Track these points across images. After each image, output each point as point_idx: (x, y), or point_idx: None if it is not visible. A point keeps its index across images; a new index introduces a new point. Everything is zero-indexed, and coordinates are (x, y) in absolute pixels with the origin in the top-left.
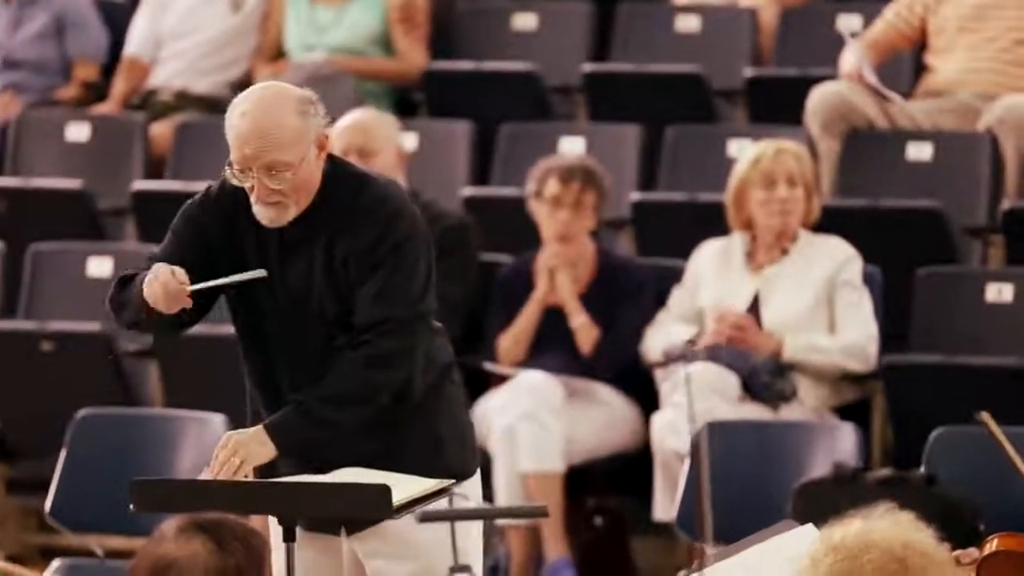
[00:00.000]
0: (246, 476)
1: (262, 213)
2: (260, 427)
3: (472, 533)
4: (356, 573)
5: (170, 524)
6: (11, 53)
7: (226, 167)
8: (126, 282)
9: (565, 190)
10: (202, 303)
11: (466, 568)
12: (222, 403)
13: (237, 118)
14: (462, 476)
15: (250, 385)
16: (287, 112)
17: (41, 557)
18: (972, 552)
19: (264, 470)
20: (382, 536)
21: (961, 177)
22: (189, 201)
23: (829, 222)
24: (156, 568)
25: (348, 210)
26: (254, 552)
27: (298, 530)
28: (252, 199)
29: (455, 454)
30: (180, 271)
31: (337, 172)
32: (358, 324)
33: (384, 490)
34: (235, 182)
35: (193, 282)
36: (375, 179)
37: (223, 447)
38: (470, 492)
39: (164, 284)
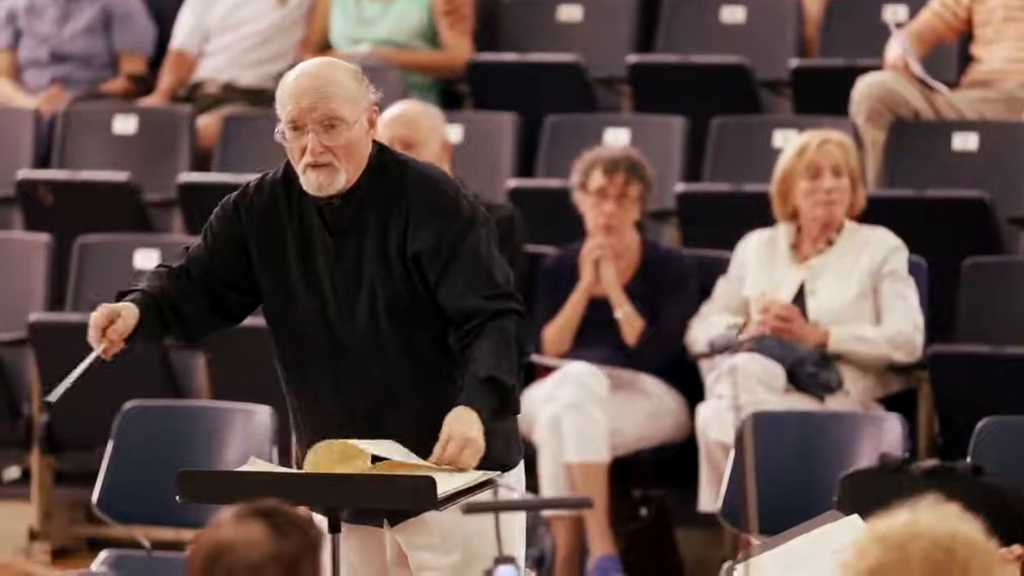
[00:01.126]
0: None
1: (311, 180)
2: (467, 409)
3: (515, 524)
4: (399, 564)
5: (227, 511)
6: (59, 47)
7: (277, 133)
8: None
9: (609, 181)
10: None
11: (510, 559)
12: (268, 395)
13: (293, 79)
14: (506, 467)
15: (286, 380)
16: (343, 73)
17: (89, 548)
18: (1016, 549)
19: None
20: (426, 528)
21: (1007, 167)
22: (226, 197)
23: (875, 212)
24: (213, 552)
25: (399, 198)
26: (310, 540)
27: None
28: (301, 169)
29: (499, 445)
30: (116, 326)
31: (383, 156)
32: (458, 316)
33: (429, 482)
34: (288, 148)
35: (217, 278)
36: (422, 165)
37: (450, 437)
38: (513, 483)
39: (91, 324)
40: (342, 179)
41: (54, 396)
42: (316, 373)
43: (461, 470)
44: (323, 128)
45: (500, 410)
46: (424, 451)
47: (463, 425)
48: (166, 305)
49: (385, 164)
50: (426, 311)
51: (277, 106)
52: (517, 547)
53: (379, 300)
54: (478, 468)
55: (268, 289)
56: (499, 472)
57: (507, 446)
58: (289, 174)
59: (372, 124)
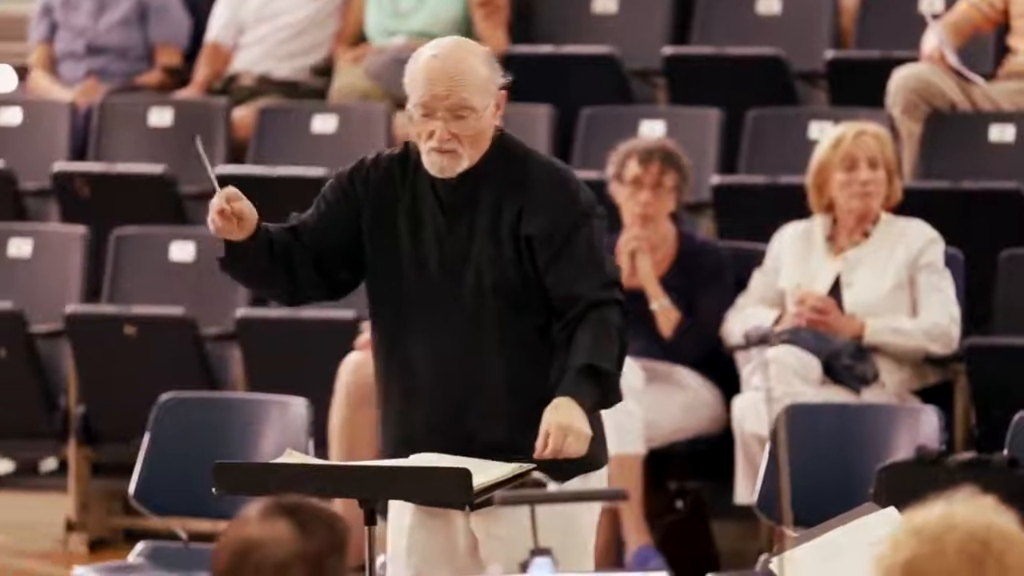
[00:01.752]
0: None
1: (434, 162)
2: (566, 399)
3: (591, 520)
4: (472, 553)
5: (253, 507)
6: (95, 39)
7: (407, 112)
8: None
9: (645, 171)
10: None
11: (546, 551)
12: (304, 387)
13: (427, 60)
14: (593, 466)
15: (380, 352)
16: (477, 59)
17: (125, 539)
18: None
19: (401, 451)
20: (504, 519)
21: None
22: (341, 169)
23: (911, 204)
24: (239, 550)
25: (517, 181)
26: (337, 536)
27: (415, 507)
28: (424, 149)
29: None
30: (230, 191)
31: (503, 140)
32: (563, 302)
33: (464, 474)
34: (414, 129)
35: (332, 248)
36: (540, 154)
37: (549, 429)
38: (599, 483)
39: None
40: (464, 164)
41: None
42: (412, 348)
43: (569, 460)
44: (453, 116)
45: (600, 398)
46: (505, 438)
47: (561, 415)
48: (279, 252)
49: (506, 147)
50: (531, 296)
51: (406, 84)
52: (591, 540)
53: (485, 279)
54: (565, 468)
55: (374, 261)
56: (531, 465)
57: (596, 445)
58: (408, 152)
59: (499, 108)
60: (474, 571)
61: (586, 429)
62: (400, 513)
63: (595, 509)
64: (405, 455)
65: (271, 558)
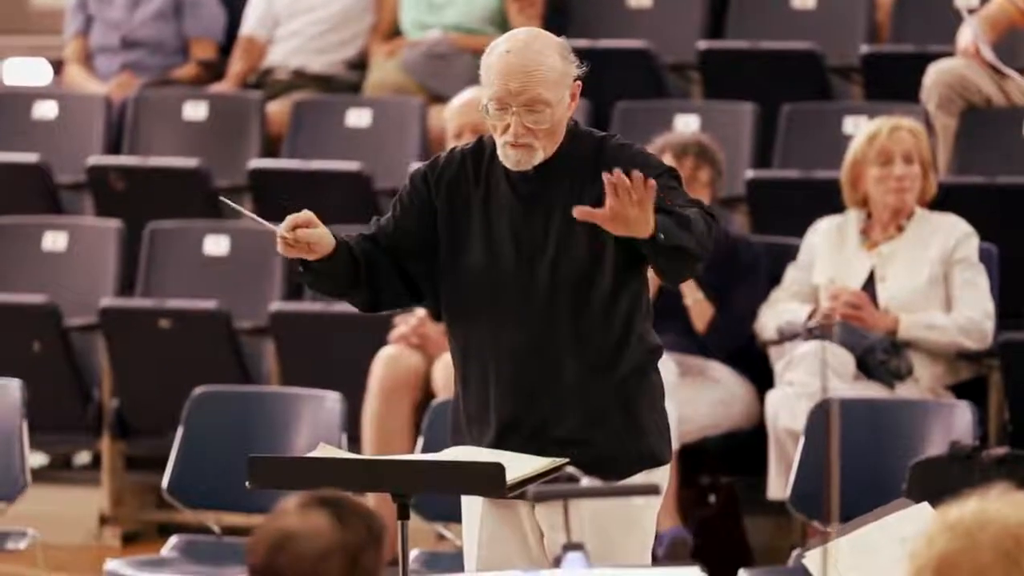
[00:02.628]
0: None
1: (510, 155)
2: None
3: (652, 516)
4: (538, 543)
5: (291, 500)
6: (129, 33)
7: (483, 107)
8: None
9: (679, 166)
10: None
11: (579, 546)
12: (338, 380)
13: (501, 55)
14: (657, 462)
15: (456, 349)
16: (551, 52)
17: (159, 533)
18: None
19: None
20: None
21: None
22: (416, 168)
23: (945, 199)
24: (276, 541)
25: (595, 164)
26: (374, 531)
27: (485, 499)
28: (500, 143)
29: (653, 439)
30: (306, 233)
31: (576, 129)
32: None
33: (498, 468)
34: (489, 122)
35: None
36: (612, 135)
37: (616, 189)
38: (661, 480)
39: (290, 217)
40: (539, 156)
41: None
42: (487, 339)
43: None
44: (527, 110)
45: (676, 234)
46: (577, 434)
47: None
48: (363, 263)
49: (579, 135)
50: (606, 286)
51: (482, 76)
52: (651, 535)
53: (561, 269)
54: (627, 466)
55: (449, 255)
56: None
57: (661, 440)
58: (481, 145)
59: (573, 98)
60: (543, 563)
61: (641, 231)
62: (472, 505)
63: (655, 506)
64: (477, 444)
65: (308, 550)
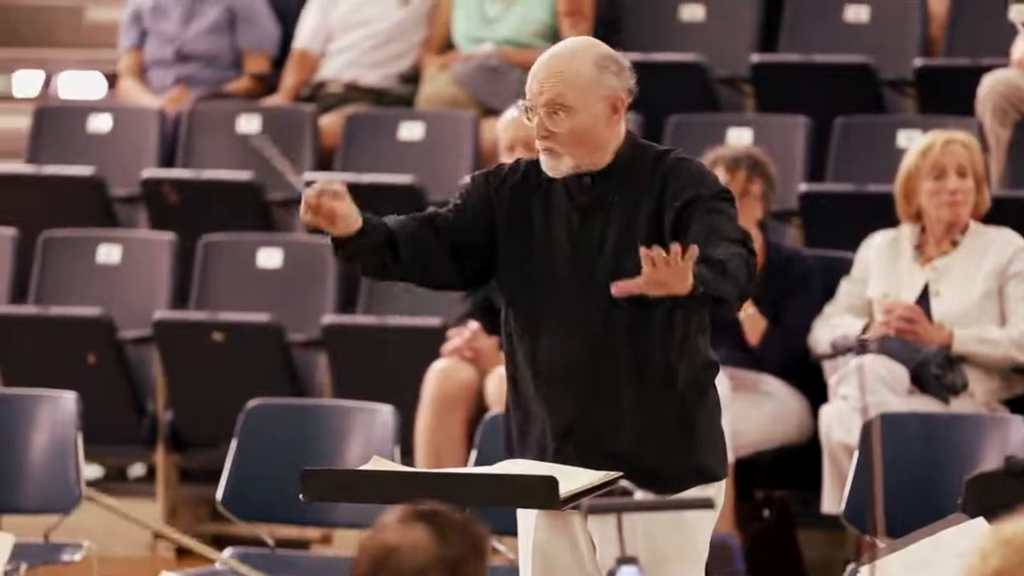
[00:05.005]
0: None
1: (543, 160)
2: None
3: (707, 531)
4: (591, 555)
5: (390, 514)
6: (184, 46)
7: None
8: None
9: (732, 179)
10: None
11: (632, 560)
12: (390, 393)
13: (539, 59)
14: (712, 477)
15: (512, 353)
16: (583, 60)
17: (213, 545)
18: None
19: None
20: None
21: None
22: (479, 171)
23: (1000, 213)
24: (378, 557)
25: (653, 176)
26: (474, 543)
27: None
28: (536, 146)
29: (709, 454)
30: (332, 204)
31: (637, 142)
32: (712, 238)
33: (551, 481)
34: (524, 120)
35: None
36: (673, 148)
37: (652, 261)
38: (716, 495)
39: (319, 184)
40: (567, 163)
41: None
42: (543, 349)
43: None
44: (547, 113)
45: (710, 279)
46: (628, 449)
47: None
48: (402, 241)
49: (638, 147)
50: (664, 299)
51: None
52: (703, 554)
53: (618, 279)
54: (681, 481)
55: (507, 262)
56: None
57: (716, 455)
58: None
59: (616, 110)
60: (596, 574)
61: (689, 276)
62: (526, 518)
63: (710, 521)
64: (536, 457)
65: (409, 563)
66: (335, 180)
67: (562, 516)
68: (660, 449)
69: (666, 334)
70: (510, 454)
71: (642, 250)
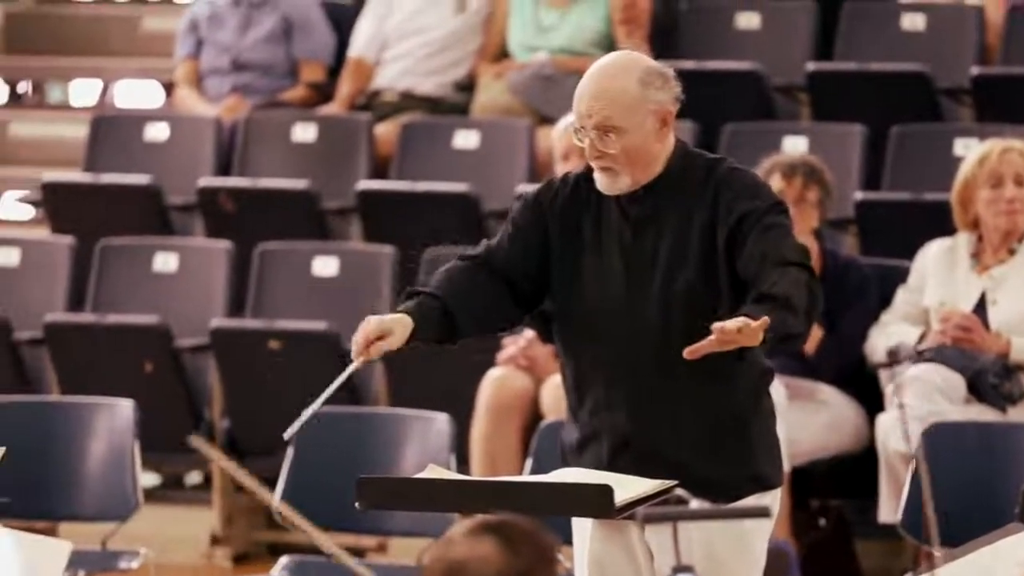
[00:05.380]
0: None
1: (598, 178)
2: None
3: (764, 539)
4: (648, 564)
5: (458, 527)
6: (240, 55)
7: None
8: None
9: (788, 185)
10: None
11: (688, 569)
12: (446, 402)
13: (584, 78)
14: (768, 485)
15: (567, 368)
16: (628, 78)
17: (269, 554)
18: None
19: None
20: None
21: None
22: (528, 191)
23: None
24: (446, 572)
25: (706, 187)
26: (543, 552)
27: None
28: (589, 162)
29: (764, 462)
30: (382, 344)
31: (687, 152)
32: (759, 266)
33: (607, 490)
34: (575, 141)
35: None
36: (725, 157)
37: (726, 327)
38: (772, 503)
39: (361, 334)
40: (625, 181)
41: (294, 428)
42: (597, 362)
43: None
44: (598, 134)
45: (778, 324)
46: (687, 460)
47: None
48: (456, 305)
49: (689, 157)
50: (719, 305)
51: None
52: (760, 563)
53: (672, 290)
54: (737, 489)
55: (560, 276)
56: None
57: (772, 463)
58: (591, 168)
59: (665, 123)
60: None
61: (751, 343)
62: (582, 527)
63: (766, 529)
64: (592, 467)
65: None
66: (371, 323)
67: (618, 525)
68: (716, 457)
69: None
70: (565, 463)
71: (714, 327)
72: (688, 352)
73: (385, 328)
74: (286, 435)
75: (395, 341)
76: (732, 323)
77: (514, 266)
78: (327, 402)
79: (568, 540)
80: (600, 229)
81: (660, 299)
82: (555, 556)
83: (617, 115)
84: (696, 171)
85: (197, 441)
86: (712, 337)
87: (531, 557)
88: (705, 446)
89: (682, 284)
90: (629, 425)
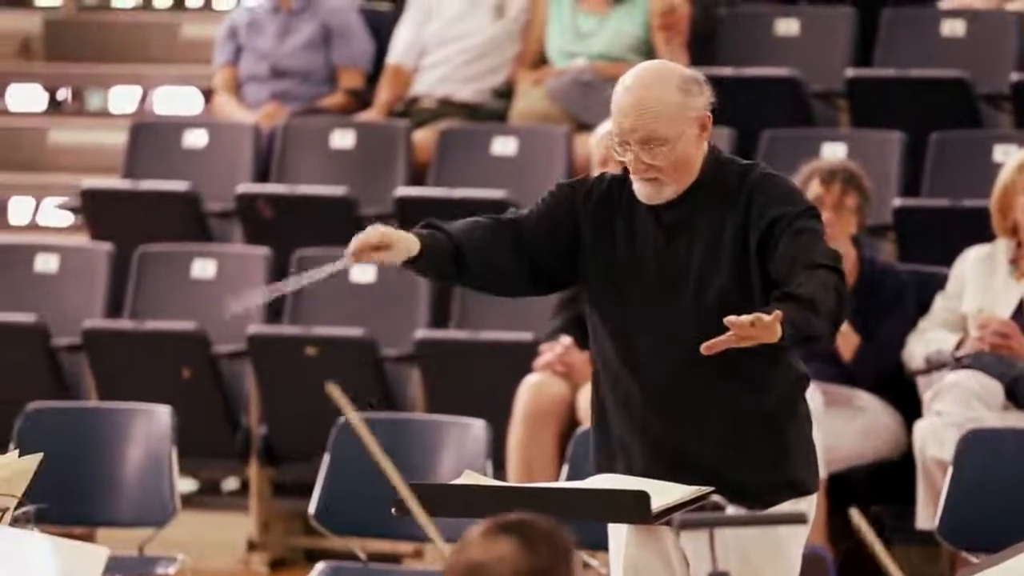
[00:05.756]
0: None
1: (640, 189)
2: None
3: (799, 546)
4: (685, 568)
5: (473, 529)
6: (278, 62)
7: (611, 140)
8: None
9: (827, 191)
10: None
11: (724, 574)
12: (483, 408)
13: (620, 92)
14: (804, 491)
15: (597, 372)
16: (668, 88)
17: (306, 559)
18: None
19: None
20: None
21: None
22: (561, 182)
23: None
24: (467, 573)
25: (739, 192)
26: (561, 551)
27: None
28: (632, 176)
29: (800, 468)
30: (378, 255)
31: (720, 157)
32: (789, 269)
33: (643, 496)
34: (616, 156)
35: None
36: (757, 163)
37: (738, 320)
38: (808, 509)
39: (362, 236)
40: (669, 191)
41: (256, 299)
42: (630, 365)
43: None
44: (643, 147)
45: (801, 322)
46: (717, 466)
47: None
48: (470, 252)
49: (722, 162)
50: (752, 310)
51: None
52: (795, 569)
53: (705, 295)
54: (773, 495)
55: (593, 279)
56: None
57: (808, 469)
58: (627, 173)
59: (704, 129)
60: None
61: (768, 340)
62: (618, 533)
63: (802, 536)
64: (621, 471)
65: None
66: (376, 230)
67: (654, 531)
68: (751, 463)
69: (755, 349)
70: (601, 469)
71: (727, 320)
72: (705, 348)
73: (387, 240)
74: (234, 308)
75: (392, 256)
76: (745, 317)
77: (538, 243)
78: (364, 407)
79: (605, 546)
80: (633, 234)
81: (693, 304)
82: (573, 554)
83: (663, 127)
84: (729, 177)
85: (332, 389)
86: (730, 333)
87: (549, 555)
88: (738, 450)
89: (715, 289)
90: (661, 429)
